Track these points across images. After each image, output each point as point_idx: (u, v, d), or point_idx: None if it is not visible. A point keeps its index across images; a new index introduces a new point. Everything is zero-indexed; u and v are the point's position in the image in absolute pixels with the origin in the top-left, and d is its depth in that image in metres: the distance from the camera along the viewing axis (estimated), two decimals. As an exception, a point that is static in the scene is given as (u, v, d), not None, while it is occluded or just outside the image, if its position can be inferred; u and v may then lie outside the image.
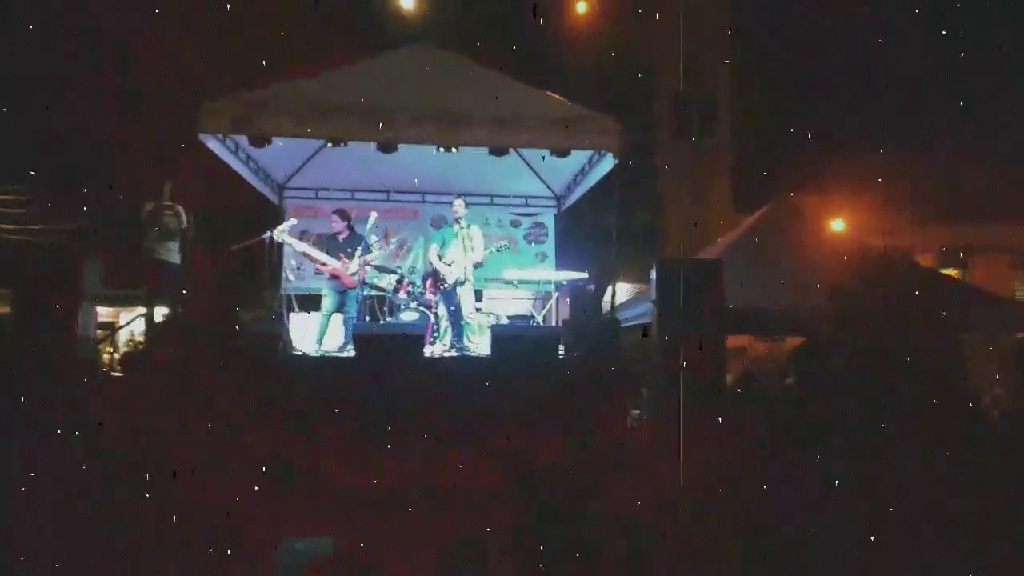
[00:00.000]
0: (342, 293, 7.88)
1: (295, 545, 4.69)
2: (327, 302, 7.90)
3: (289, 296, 9.03)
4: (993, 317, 9.07)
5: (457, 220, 7.98)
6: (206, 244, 7.85)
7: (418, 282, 8.54)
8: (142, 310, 7.75)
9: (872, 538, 2.93)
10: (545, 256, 10.08)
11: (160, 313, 7.91)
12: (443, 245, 8.02)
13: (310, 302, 8.81)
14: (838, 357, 3.51)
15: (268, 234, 7.73)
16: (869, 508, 2.95)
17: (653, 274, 6.65)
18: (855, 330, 4.47)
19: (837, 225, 11.05)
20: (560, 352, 7.03)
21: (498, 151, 7.22)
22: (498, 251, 8.32)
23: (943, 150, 14.21)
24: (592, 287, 9.42)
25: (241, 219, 8.91)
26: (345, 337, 7.74)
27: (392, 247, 9.41)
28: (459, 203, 8.02)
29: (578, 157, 7.93)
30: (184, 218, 7.28)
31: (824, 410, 3.15)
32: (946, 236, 17.15)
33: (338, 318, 8.00)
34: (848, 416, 3.15)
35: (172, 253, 7.34)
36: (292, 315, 8.68)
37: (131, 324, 9.82)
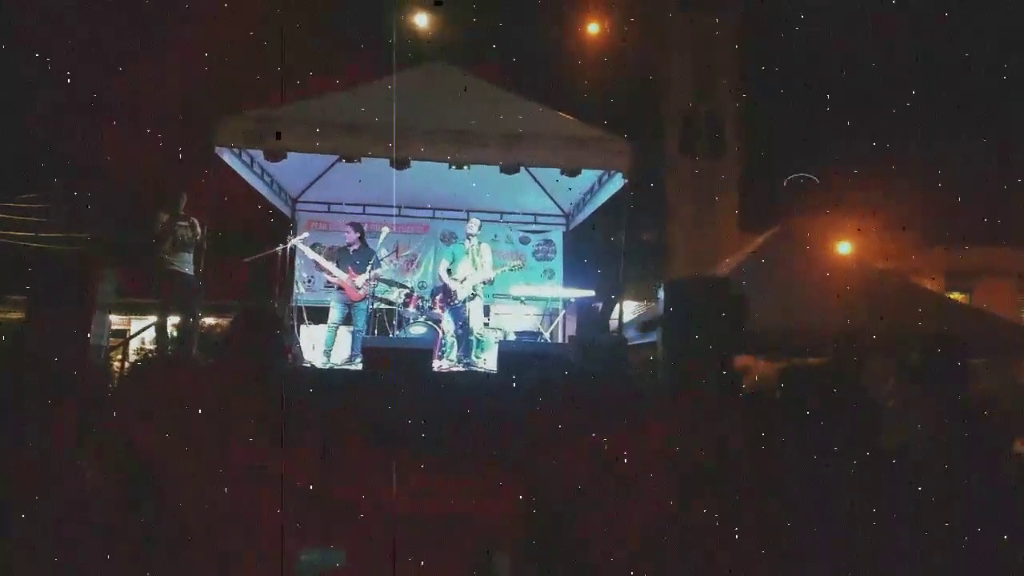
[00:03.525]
0: (348, 305, 7.98)
1: (305, 557, 4.73)
2: (333, 314, 8.00)
3: (300, 308, 9.13)
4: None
5: (469, 237, 8.08)
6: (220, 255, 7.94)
7: (427, 296, 8.63)
8: (154, 319, 7.84)
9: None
10: (553, 273, 10.16)
11: (172, 323, 8.01)
12: (453, 261, 8.12)
13: (320, 314, 8.92)
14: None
15: (281, 246, 7.85)
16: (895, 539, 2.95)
17: (660, 293, 6.70)
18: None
19: (843, 247, 11.09)
20: (567, 369, 7.08)
21: (509, 169, 7.32)
22: (510, 271, 8.42)
23: (951, 172, 14.21)
24: (599, 305, 9.48)
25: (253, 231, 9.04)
26: (353, 349, 7.82)
27: (402, 261, 9.51)
28: (474, 221, 8.15)
29: (588, 176, 8.02)
30: (199, 230, 7.38)
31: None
32: (951, 259, 17.14)
33: (346, 330, 8.08)
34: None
35: (186, 264, 7.44)
36: (303, 327, 8.77)
37: (143, 333, 9.91)
